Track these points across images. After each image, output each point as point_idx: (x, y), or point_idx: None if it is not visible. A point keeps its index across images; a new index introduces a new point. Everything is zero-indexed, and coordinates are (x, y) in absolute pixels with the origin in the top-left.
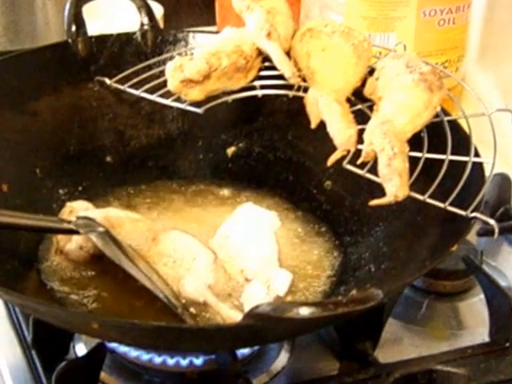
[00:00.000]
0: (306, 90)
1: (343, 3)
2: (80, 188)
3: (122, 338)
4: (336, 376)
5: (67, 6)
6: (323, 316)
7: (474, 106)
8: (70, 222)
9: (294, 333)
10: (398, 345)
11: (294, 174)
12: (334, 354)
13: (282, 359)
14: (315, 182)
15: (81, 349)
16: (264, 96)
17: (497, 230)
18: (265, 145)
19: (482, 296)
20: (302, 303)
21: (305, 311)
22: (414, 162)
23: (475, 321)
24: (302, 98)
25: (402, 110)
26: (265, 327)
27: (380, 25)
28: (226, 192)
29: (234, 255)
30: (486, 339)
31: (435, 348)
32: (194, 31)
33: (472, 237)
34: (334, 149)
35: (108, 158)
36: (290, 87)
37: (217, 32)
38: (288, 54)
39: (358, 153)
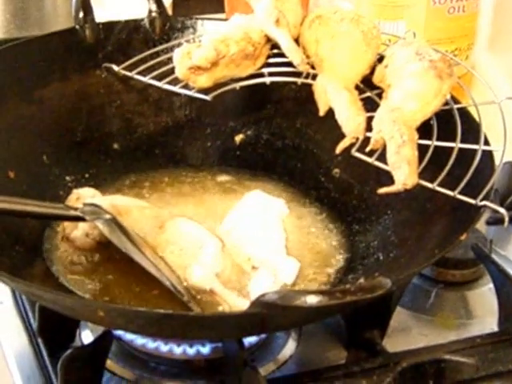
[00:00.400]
0: (314, 77)
1: None
2: (87, 175)
3: (128, 326)
4: (343, 365)
5: None
6: (331, 304)
7: (483, 93)
8: (76, 209)
9: (301, 321)
10: (406, 334)
11: (302, 161)
12: (341, 343)
13: (290, 348)
14: (323, 170)
15: (87, 336)
16: (272, 83)
17: (507, 219)
18: (273, 132)
19: (491, 285)
20: (309, 291)
21: (312, 299)
22: (422, 149)
23: (484, 310)
24: (310, 86)
25: (411, 97)
26: (272, 315)
27: (390, 12)
28: (233, 179)
29: (242, 243)
30: (495, 329)
31: (443, 337)
32: (202, 18)
33: (481, 225)
34: (342, 136)
35: (115, 145)
36: (298, 74)
37: (225, 19)
38: (296, 40)
39: (366, 140)
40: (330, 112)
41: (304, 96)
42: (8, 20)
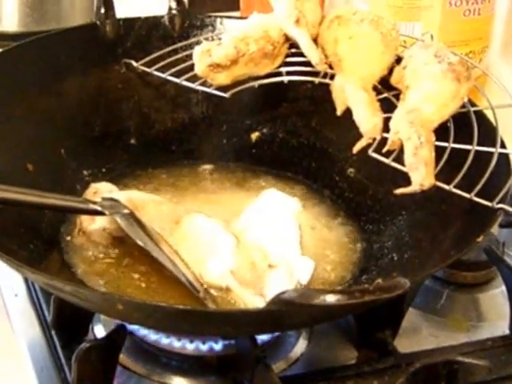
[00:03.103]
0: (332, 77)
1: None
2: (104, 169)
3: (145, 320)
4: (354, 365)
5: None
6: (349, 303)
7: (497, 96)
8: (95, 203)
9: (317, 320)
10: (417, 334)
11: (317, 160)
12: (352, 343)
13: (301, 346)
14: (338, 169)
15: (99, 330)
16: (288, 82)
17: None
18: (288, 131)
19: (503, 288)
20: (328, 290)
21: (331, 298)
22: (439, 151)
23: (495, 313)
24: (326, 85)
25: (429, 99)
26: (290, 313)
27: (405, 14)
28: (248, 177)
29: (257, 241)
30: (506, 331)
31: (454, 339)
32: (221, 16)
33: (494, 228)
34: (357, 136)
35: (132, 141)
36: (315, 74)
37: (240, 17)
38: (315, 40)
39: (382, 141)
40: (345, 112)
41: (320, 95)
42: (26, 14)
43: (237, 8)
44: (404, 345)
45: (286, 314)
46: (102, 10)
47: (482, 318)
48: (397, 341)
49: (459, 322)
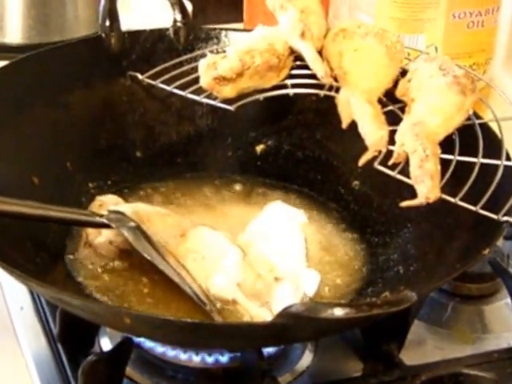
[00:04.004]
0: (337, 89)
1: (373, 4)
2: (109, 182)
3: (152, 334)
4: (360, 377)
5: (102, 1)
6: (357, 317)
7: (502, 108)
8: (101, 216)
9: (324, 333)
10: (422, 347)
11: (323, 173)
12: (358, 355)
13: (306, 359)
14: (343, 182)
15: (106, 343)
16: (294, 94)
17: None
18: (294, 143)
19: (508, 300)
20: (336, 304)
21: (339, 312)
22: (444, 164)
23: (501, 325)
24: (331, 98)
25: (434, 112)
26: (297, 327)
27: (409, 26)
28: (254, 189)
29: (263, 254)
30: None
31: (460, 351)
32: (226, 29)
33: (499, 239)
34: (362, 149)
35: (137, 153)
36: (321, 87)
37: (245, 30)
38: (320, 53)
39: (388, 154)
40: (351, 124)
41: (325, 108)
42: (30, 26)
43: (240, 20)
44: (410, 357)
45: (293, 327)
46: (107, 23)
47: (488, 330)
48: (402, 353)
49: (465, 334)
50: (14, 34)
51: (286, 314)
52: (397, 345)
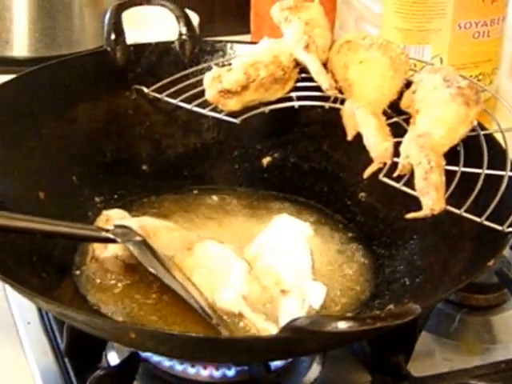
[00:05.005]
0: (342, 101)
1: (379, 15)
2: (115, 196)
3: (158, 348)
4: None
5: (107, 15)
6: (361, 330)
7: (508, 119)
8: (107, 231)
9: (330, 346)
10: (430, 358)
11: (329, 184)
12: (365, 367)
13: (314, 371)
14: (349, 194)
15: (113, 357)
16: (300, 107)
17: None
18: (300, 155)
19: None
20: (340, 317)
21: (343, 325)
22: (449, 175)
23: (508, 335)
24: (337, 109)
25: (438, 123)
26: (302, 340)
27: (415, 37)
28: (260, 202)
29: (269, 267)
30: None
31: (468, 362)
32: (231, 41)
33: (505, 250)
34: (368, 160)
35: (144, 167)
36: (326, 98)
37: (251, 42)
38: (325, 65)
39: (394, 165)
40: (357, 136)
41: (331, 119)
42: (37, 39)
43: (247, 31)
44: (418, 369)
45: (298, 340)
46: (113, 37)
47: (495, 340)
48: (410, 365)
49: (472, 344)
50: (21, 48)
51: (290, 327)
52: (404, 356)
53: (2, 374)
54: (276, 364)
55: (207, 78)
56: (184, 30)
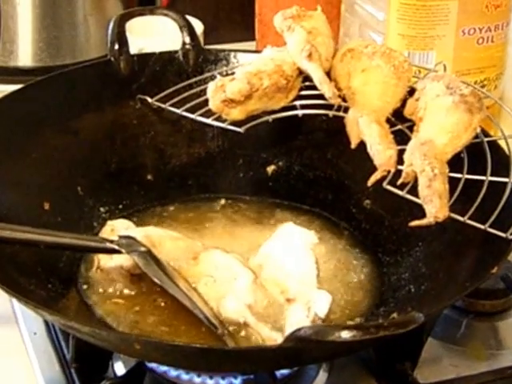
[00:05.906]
0: (346, 109)
1: (383, 22)
2: (120, 206)
3: (163, 359)
4: None
5: (110, 25)
6: (364, 339)
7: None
8: (112, 242)
9: (334, 355)
10: (437, 364)
11: (334, 192)
12: (372, 374)
13: (321, 378)
14: (354, 201)
15: (119, 367)
16: (303, 115)
17: None
18: (304, 163)
19: None
20: (343, 326)
21: (346, 334)
22: (453, 182)
23: None
24: (341, 118)
25: (442, 131)
26: (306, 350)
27: (419, 43)
28: (265, 210)
29: (275, 275)
30: None
31: (474, 368)
32: (235, 50)
33: (511, 256)
34: (373, 168)
35: (149, 176)
36: (330, 107)
37: (255, 51)
38: (328, 73)
39: (397, 173)
40: (361, 144)
41: (335, 127)
42: (41, 48)
43: (252, 39)
44: (424, 375)
45: (302, 350)
46: (116, 46)
47: (502, 346)
48: (417, 371)
49: (479, 350)
50: (26, 57)
51: (294, 337)
52: (411, 363)
53: None
54: (282, 372)
55: (210, 87)
56: (187, 40)
